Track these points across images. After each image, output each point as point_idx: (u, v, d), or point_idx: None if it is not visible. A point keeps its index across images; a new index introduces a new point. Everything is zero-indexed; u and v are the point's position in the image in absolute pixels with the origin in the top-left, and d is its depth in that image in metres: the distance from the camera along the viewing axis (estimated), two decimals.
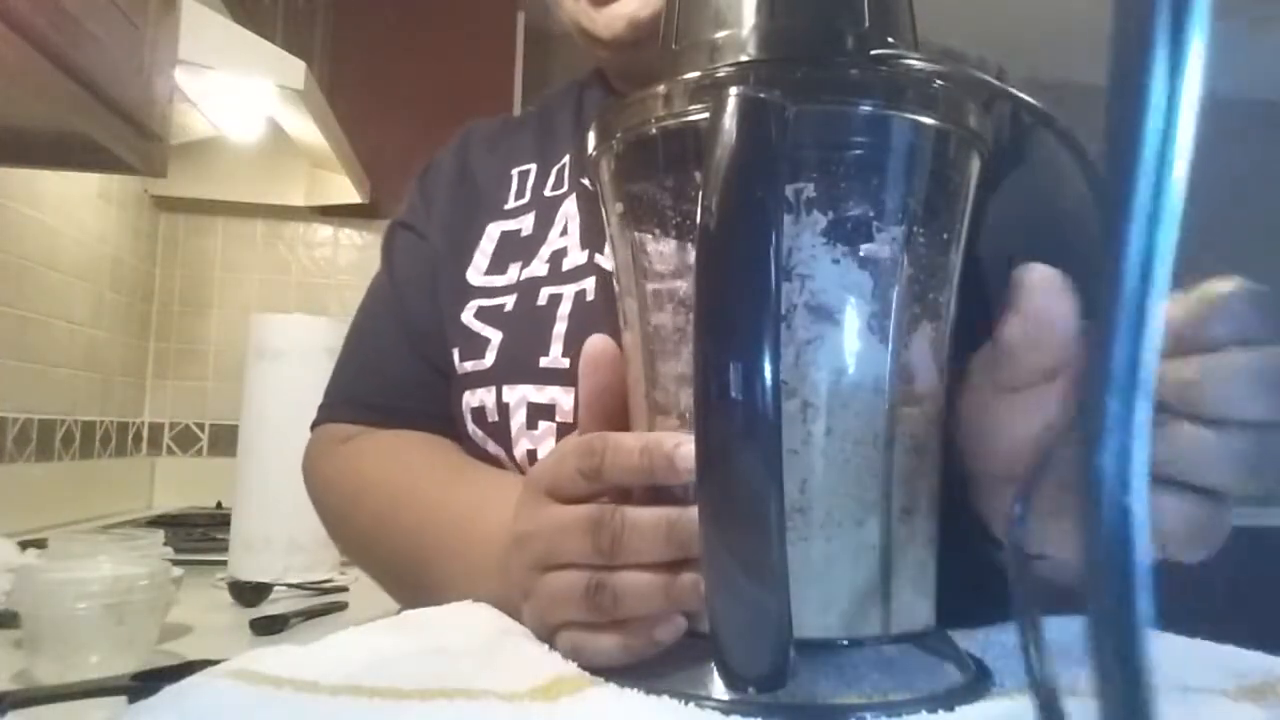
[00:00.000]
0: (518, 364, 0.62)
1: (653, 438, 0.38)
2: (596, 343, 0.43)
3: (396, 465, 0.67)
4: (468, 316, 0.66)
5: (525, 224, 0.69)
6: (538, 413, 0.61)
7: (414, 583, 0.62)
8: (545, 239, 0.67)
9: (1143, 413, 0.20)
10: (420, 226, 0.75)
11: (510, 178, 0.73)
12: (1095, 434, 0.20)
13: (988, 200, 0.63)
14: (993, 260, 0.62)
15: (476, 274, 0.68)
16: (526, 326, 0.63)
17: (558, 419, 0.60)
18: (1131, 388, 0.20)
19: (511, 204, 0.71)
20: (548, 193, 0.70)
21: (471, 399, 0.64)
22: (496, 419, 0.62)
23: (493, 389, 0.63)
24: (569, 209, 0.67)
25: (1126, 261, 0.20)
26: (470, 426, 0.64)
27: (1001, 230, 0.59)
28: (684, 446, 0.37)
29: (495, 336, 0.64)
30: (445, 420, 0.68)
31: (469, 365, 0.65)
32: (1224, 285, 0.34)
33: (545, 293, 0.63)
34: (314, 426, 0.77)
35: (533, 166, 0.72)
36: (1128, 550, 0.20)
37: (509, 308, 0.65)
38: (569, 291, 0.63)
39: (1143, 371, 0.20)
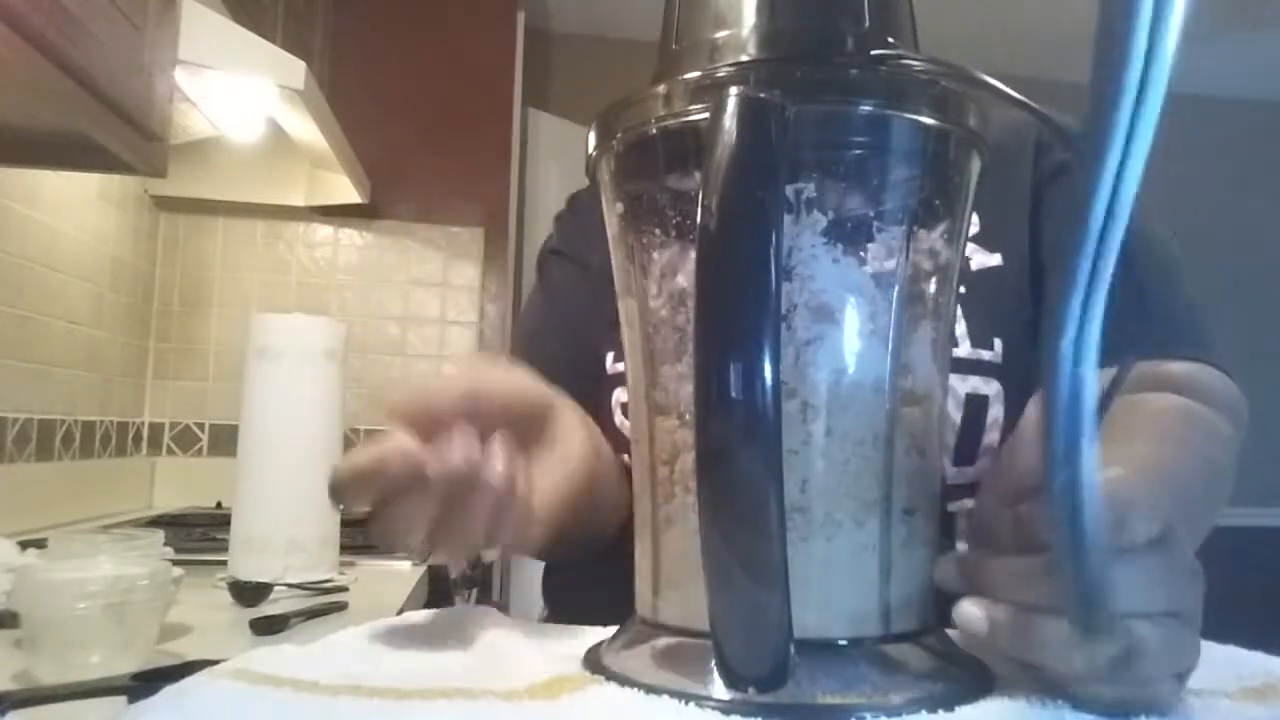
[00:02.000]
0: None
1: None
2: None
3: None
4: None
5: None
6: None
7: None
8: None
9: (1098, 306, 0.27)
10: (583, 257, 0.82)
11: None
12: (1059, 325, 0.27)
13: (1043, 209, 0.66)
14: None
15: None
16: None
17: None
18: (1091, 288, 0.27)
19: None
20: None
21: (623, 395, 0.71)
22: None
23: None
24: None
25: (1097, 197, 0.27)
26: (619, 419, 0.72)
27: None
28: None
29: None
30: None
31: (621, 366, 0.71)
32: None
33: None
34: None
35: None
36: (1079, 411, 0.28)
37: None
38: None
39: (1099, 277, 0.27)
